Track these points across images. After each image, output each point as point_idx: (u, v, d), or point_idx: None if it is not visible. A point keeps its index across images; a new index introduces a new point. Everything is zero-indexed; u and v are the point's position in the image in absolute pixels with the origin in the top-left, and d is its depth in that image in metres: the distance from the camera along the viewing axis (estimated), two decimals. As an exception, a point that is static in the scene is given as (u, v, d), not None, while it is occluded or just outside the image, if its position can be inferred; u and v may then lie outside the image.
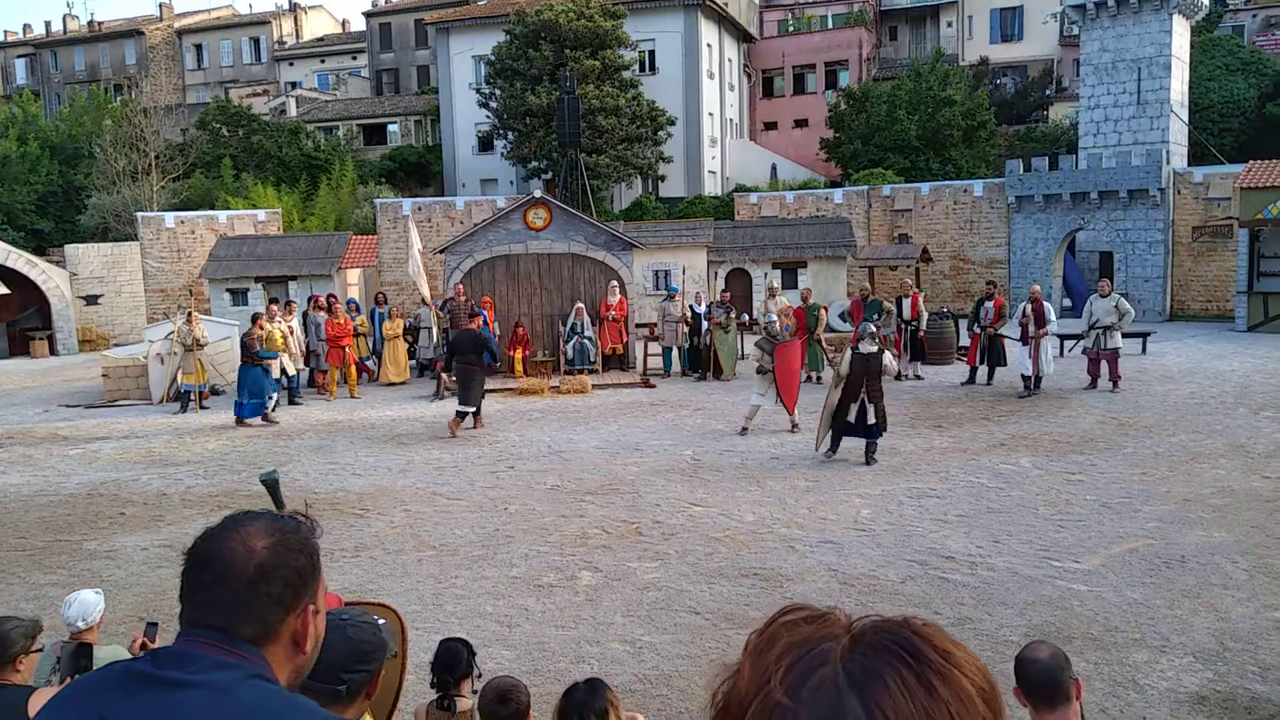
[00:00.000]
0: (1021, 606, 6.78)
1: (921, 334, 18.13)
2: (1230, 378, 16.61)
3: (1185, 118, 29.76)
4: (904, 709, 0.75)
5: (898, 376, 12.73)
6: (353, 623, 2.00)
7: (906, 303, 18.19)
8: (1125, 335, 16.23)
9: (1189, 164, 29.71)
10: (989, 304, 16.84)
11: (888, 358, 11.48)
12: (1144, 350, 19.67)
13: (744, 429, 13.12)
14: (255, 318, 16.44)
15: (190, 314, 17.00)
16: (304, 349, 17.83)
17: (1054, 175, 29.50)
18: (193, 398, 16.54)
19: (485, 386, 14.35)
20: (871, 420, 11.14)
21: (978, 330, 16.90)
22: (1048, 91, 44.05)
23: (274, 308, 17.38)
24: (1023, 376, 15.60)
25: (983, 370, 16.80)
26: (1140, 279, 27.99)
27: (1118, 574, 7.35)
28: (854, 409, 11.18)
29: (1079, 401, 14.81)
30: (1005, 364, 16.64)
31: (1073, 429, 12.81)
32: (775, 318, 14.72)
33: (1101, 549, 7.95)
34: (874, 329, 11.71)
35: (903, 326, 18.00)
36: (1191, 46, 30.64)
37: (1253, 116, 34.28)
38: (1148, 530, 8.40)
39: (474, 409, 13.93)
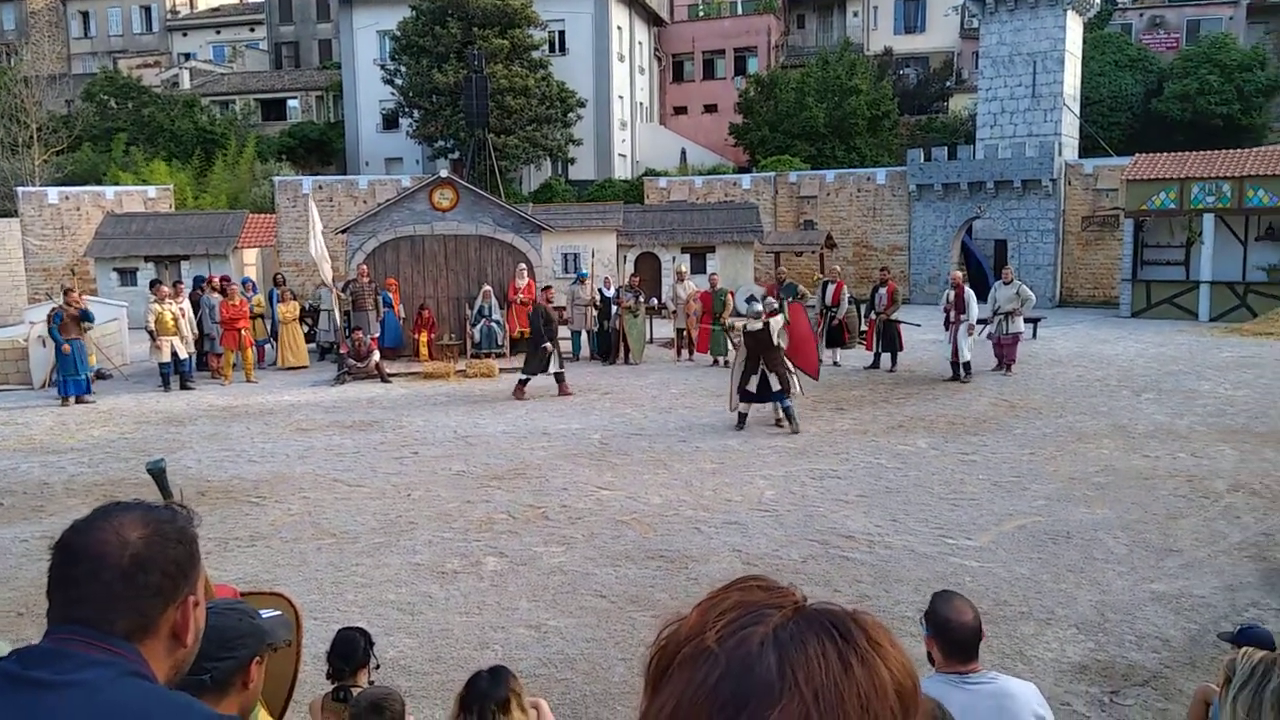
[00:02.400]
0: (917, 583, 6.99)
1: (842, 320, 18.17)
2: (1115, 361, 17.40)
3: (1077, 111, 30.95)
4: (815, 676, 0.77)
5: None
6: (216, 610, 1.94)
7: (831, 288, 18.29)
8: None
9: (1079, 156, 30.94)
10: (882, 290, 17.20)
11: (775, 324, 11.96)
12: (1034, 335, 20.44)
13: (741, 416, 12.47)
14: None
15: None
16: (196, 331, 17.18)
17: (953, 165, 30.38)
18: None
19: (544, 359, 14.89)
20: (776, 387, 11.88)
21: (874, 317, 17.27)
22: (948, 83, 45.27)
23: (163, 288, 16.71)
24: (951, 363, 15.84)
25: (885, 357, 17.15)
26: (1032, 266, 29.06)
27: (1007, 550, 7.63)
28: (754, 380, 11.94)
29: (974, 384, 15.31)
30: (902, 349, 17.06)
31: (967, 411, 13.24)
32: (759, 302, 14.71)
33: (993, 526, 8.25)
34: (759, 306, 12.41)
35: (825, 312, 18.19)
36: (1083, 43, 31.85)
37: (1139, 111, 35.85)
38: (1036, 508, 8.75)
39: (526, 377, 14.77)
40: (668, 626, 0.87)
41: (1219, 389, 14.48)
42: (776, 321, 12.04)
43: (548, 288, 16.95)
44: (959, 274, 16.55)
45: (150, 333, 16.03)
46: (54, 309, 15.31)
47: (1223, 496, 9.00)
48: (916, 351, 18.07)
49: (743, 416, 12.28)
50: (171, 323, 15.98)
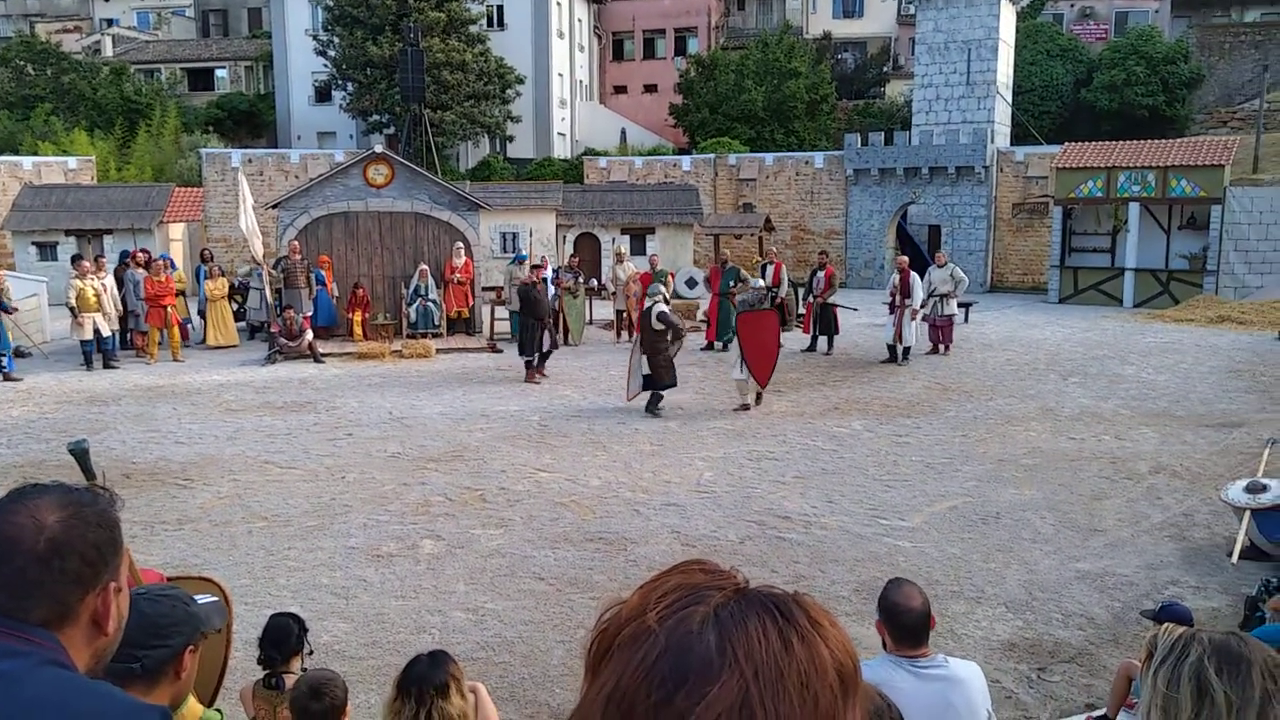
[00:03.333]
0: (852, 563, 7.09)
1: (782, 300, 18.06)
2: (1043, 346, 17.84)
3: (1009, 99, 31.54)
4: (755, 653, 0.78)
5: (678, 335, 12.45)
6: (148, 596, 1.86)
7: (771, 269, 18.32)
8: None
9: (1011, 144, 31.56)
10: (820, 274, 17.36)
11: (658, 310, 11.98)
12: (966, 319, 20.84)
13: (745, 405, 12.34)
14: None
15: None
16: (120, 308, 16.63)
17: (889, 150, 30.75)
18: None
19: (538, 336, 14.58)
20: (645, 371, 11.98)
21: (811, 300, 17.42)
22: (885, 69, 45.78)
23: (84, 264, 16.13)
24: (888, 346, 16.09)
25: (822, 340, 17.32)
26: (965, 252, 29.60)
27: (939, 530, 7.79)
28: (644, 362, 12.05)
29: (908, 368, 15.56)
30: (838, 332, 17.26)
31: (901, 394, 13.46)
32: (761, 281, 14.59)
33: (925, 507, 8.40)
34: (659, 286, 12.69)
35: (766, 293, 18.19)
36: (1016, 32, 32.44)
37: (1069, 100, 36.68)
38: (966, 489, 8.94)
39: (529, 358, 14.49)
40: (609, 609, 0.87)
41: (1142, 374, 14.94)
42: (661, 310, 12.10)
43: (537, 266, 16.53)
44: (904, 259, 16.75)
45: (71, 309, 15.48)
46: None
47: (1145, 478, 9.29)
48: (852, 335, 18.29)
49: (653, 401, 12.21)
50: (94, 299, 15.44)
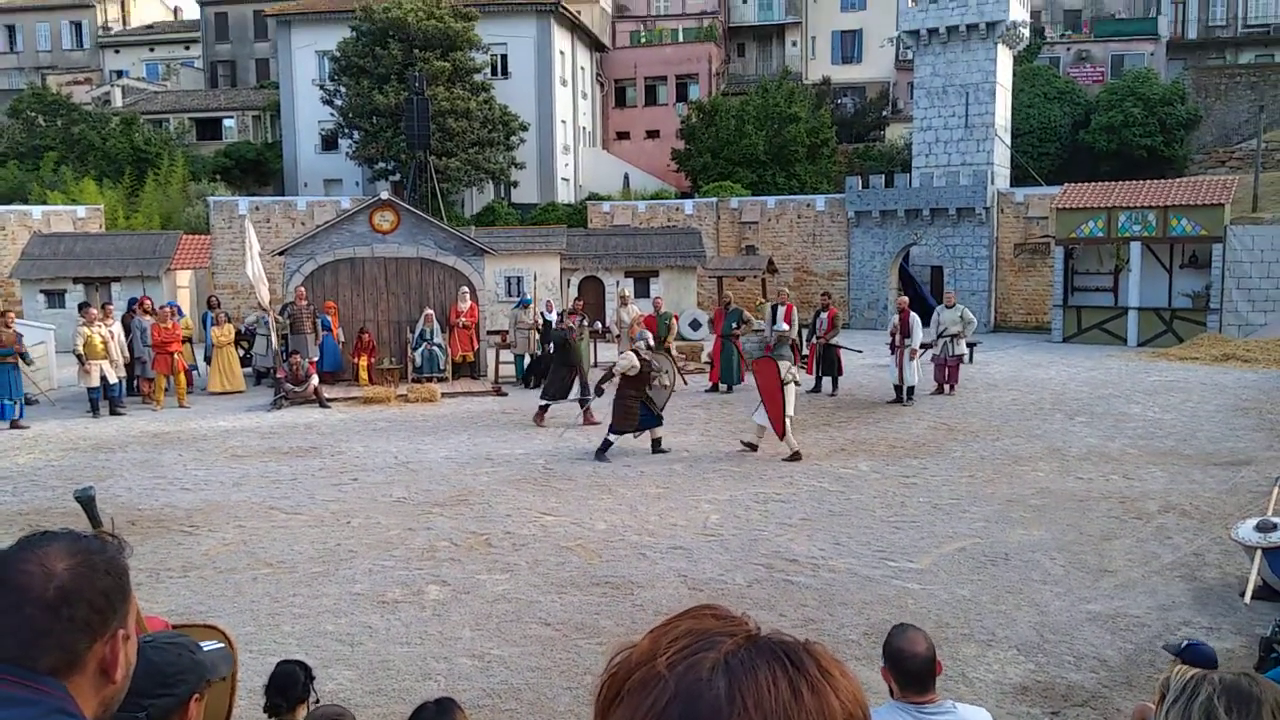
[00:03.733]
0: (860, 606, 7.03)
1: (793, 342, 18.02)
2: (1048, 385, 17.81)
3: (1008, 141, 31.84)
4: (765, 703, 0.78)
5: (608, 374, 12.57)
6: (155, 644, 1.85)
7: (781, 310, 18.30)
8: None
9: (1011, 185, 31.79)
10: (824, 315, 17.39)
11: (623, 361, 12.05)
12: (970, 359, 20.82)
13: (753, 445, 12.19)
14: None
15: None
16: (127, 355, 16.70)
17: (890, 192, 30.99)
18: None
19: (566, 382, 14.43)
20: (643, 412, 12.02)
21: (815, 341, 17.43)
22: (884, 112, 46.26)
23: (92, 311, 16.24)
24: (894, 386, 16.07)
25: (826, 381, 17.30)
26: (967, 292, 29.67)
27: (948, 572, 7.72)
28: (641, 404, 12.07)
29: (913, 408, 15.53)
30: (842, 373, 17.25)
31: (907, 434, 13.42)
32: (785, 325, 14.19)
33: (933, 548, 8.34)
34: (647, 336, 12.92)
35: (775, 337, 18.21)
36: (1014, 75, 32.82)
37: (1067, 142, 36.99)
38: (975, 530, 8.88)
39: (548, 402, 14.33)
40: (619, 653, 0.87)
41: (1148, 412, 14.89)
42: (627, 356, 12.13)
43: (573, 312, 16.40)
44: (904, 299, 16.82)
45: (79, 356, 15.55)
46: None
47: (1154, 517, 9.23)
48: (856, 375, 18.29)
49: (656, 443, 12.28)
50: (101, 346, 15.51)
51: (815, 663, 0.83)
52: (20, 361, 14.92)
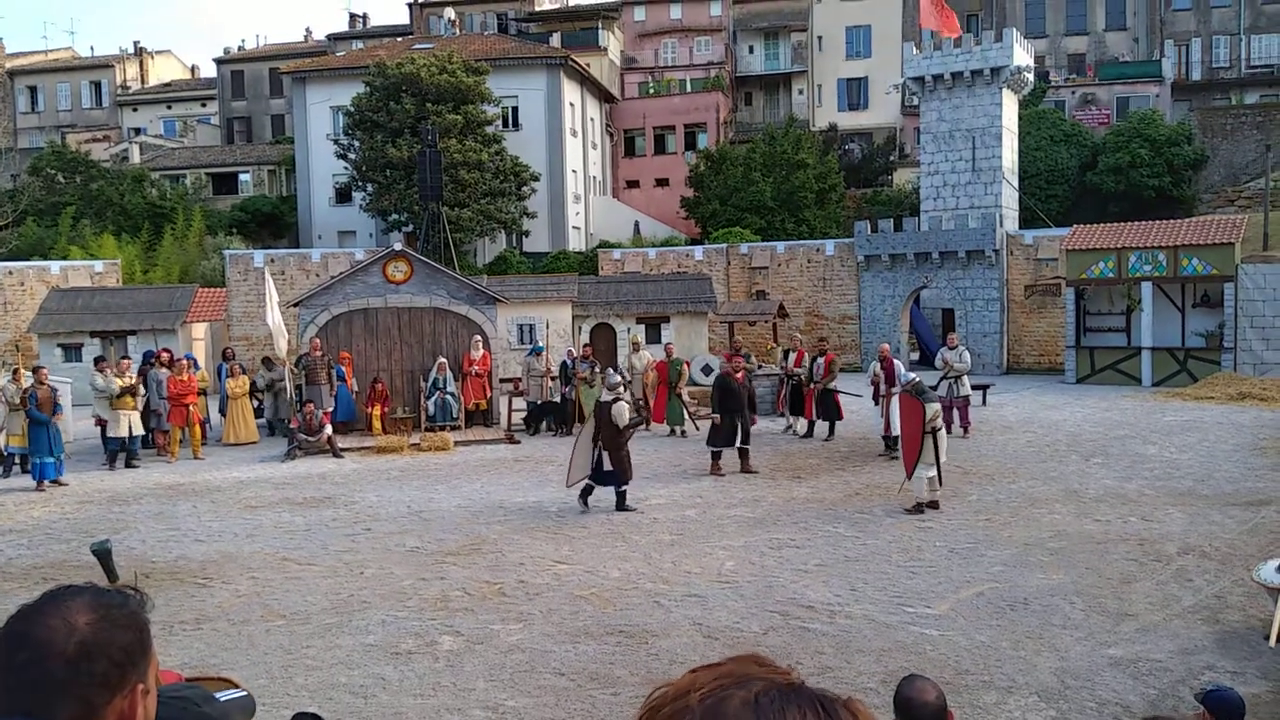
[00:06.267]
0: (878, 653, 6.95)
1: (810, 389, 17.56)
2: (1063, 427, 17.70)
3: (1015, 184, 32.01)
4: None
5: (628, 427, 11.79)
6: (161, 699, 1.86)
7: (793, 356, 18.20)
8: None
9: (1020, 227, 31.90)
10: (820, 360, 17.34)
11: (618, 408, 11.57)
12: (984, 401, 20.76)
13: (932, 504, 11.30)
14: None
15: (17, 370, 15.83)
16: (142, 407, 16.81)
17: (899, 236, 31.13)
18: (16, 461, 15.33)
19: (732, 433, 13.91)
20: (607, 467, 11.54)
21: (812, 386, 17.34)
22: (892, 157, 46.64)
23: (124, 362, 16.48)
24: (883, 437, 15.49)
25: (823, 426, 17.17)
26: (979, 334, 29.67)
27: (966, 618, 7.63)
28: (594, 454, 11.61)
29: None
30: (840, 418, 17.17)
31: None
32: (913, 375, 13.40)
33: (951, 594, 8.25)
34: (617, 379, 12.26)
35: (785, 380, 18.26)
36: (1019, 119, 33.09)
37: (1074, 184, 37.17)
38: (993, 574, 8.78)
39: (718, 449, 13.84)
40: (658, 689, 0.89)
41: (1165, 453, 14.77)
42: (620, 408, 11.63)
43: (735, 354, 16.00)
44: (885, 346, 16.64)
45: (112, 396, 15.58)
46: (28, 388, 14.82)
47: (1174, 559, 9.12)
48: (868, 420, 18.20)
49: (585, 494, 11.77)
50: (130, 399, 15.67)
51: (850, 713, 0.83)
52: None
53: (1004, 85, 30.10)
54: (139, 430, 15.88)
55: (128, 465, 15.74)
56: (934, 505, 11.21)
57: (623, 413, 11.62)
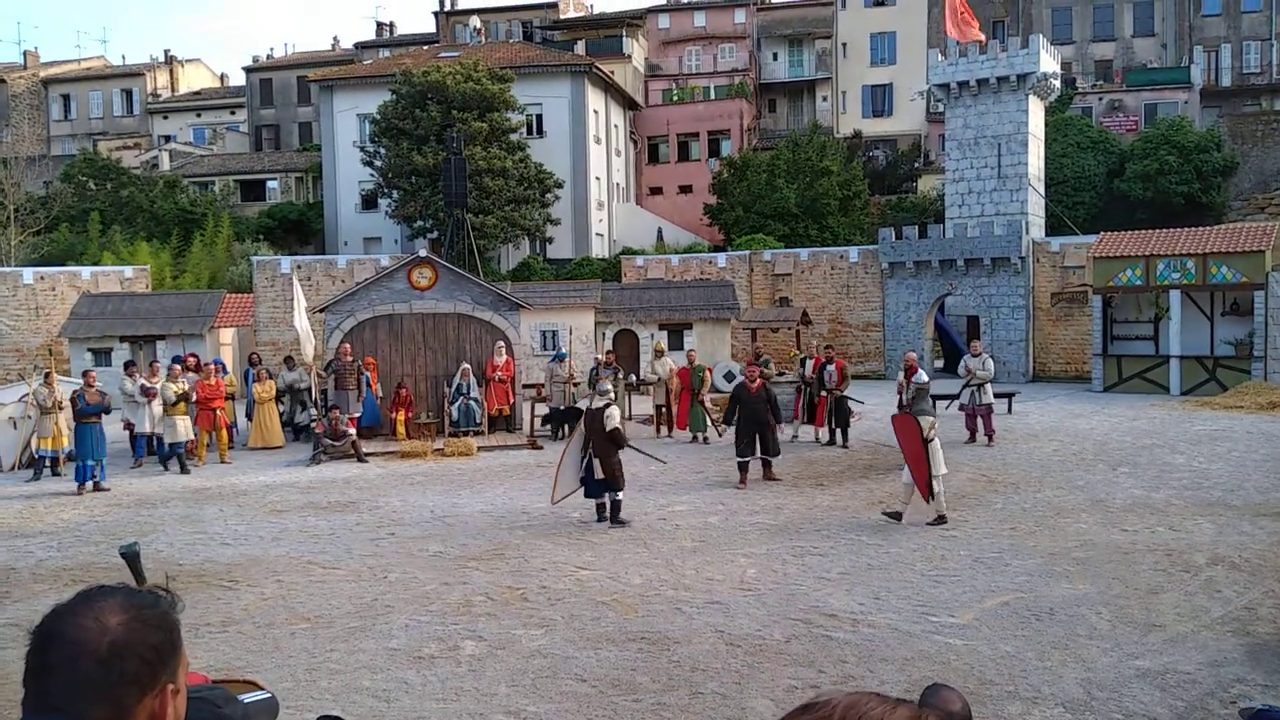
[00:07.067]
0: (902, 662, 6.90)
1: (823, 396, 17.56)
2: (1090, 435, 17.53)
3: (1042, 191, 31.76)
4: None
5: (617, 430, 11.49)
6: (194, 696, 1.88)
7: (809, 363, 18.06)
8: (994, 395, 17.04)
9: (1046, 234, 31.64)
10: (831, 367, 17.26)
11: (611, 413, 11.36)
12: (1010, 410, 20.60)
13: (897, 515, 11.11)
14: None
15: (49, 374, 16.05)
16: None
17: (923, 243, 30.95)
18: (47, 464, 15.54)
19: (748, 443, 13.65)
20: (599, 476, 11.23)
21: (824, 393, 17.25)
22: (916, 164, 46.43)
23: (176, 367, 16.80)
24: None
25: (838, 433, 17.05)
26: (1005, 342, 29.44)
27: (991, 627, 7.57)
28: (583, 462, 11.35)
29: (952, 459, 15.32)
30: (852, 422, 17.10)
31: (946, 486, 13.22)
32: (925, 377, 12.97)
33: (975, 603, 8.19)
34: (608, 385, 11.97)
35: (803, 387, 18.19)
36: (1046, 125, 32.84)
37: (1101, 190, 36.83)
38: (1018, 584, 8.71)
39: (744, 459, 13.57)
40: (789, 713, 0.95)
41: (1193, 462, 14.60)
42: (613, 413, 11.42)
43: (754, 361, 15.92)
44: (912, 355, 16.48)
45: (167, 402, 15.78)
46: (75, 391, 15.06)
47: (1202, 570, 9.00)
48: (890, 428, 18.09)
49: (600, 509, 11.47)
50: (184, 404, 15.86)
51: None
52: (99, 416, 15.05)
53: (1030, 92, 29.90)
54: (190, 435, 16.08)
55: (182, 470, 15.73)
56: (941, 520, 10.94)
57: (614, 416, 11.47)
